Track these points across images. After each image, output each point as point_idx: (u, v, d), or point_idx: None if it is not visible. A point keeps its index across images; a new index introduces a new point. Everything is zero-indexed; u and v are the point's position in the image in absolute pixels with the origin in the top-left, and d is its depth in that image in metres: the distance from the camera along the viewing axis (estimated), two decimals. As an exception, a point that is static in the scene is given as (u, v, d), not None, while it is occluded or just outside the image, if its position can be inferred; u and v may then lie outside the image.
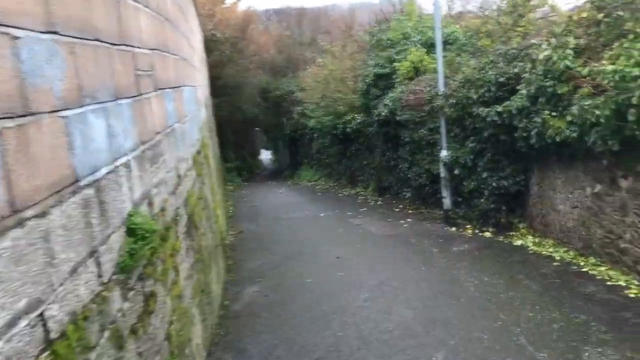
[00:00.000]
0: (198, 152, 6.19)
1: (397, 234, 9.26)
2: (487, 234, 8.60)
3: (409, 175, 11.54)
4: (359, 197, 14.41)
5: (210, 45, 21.60)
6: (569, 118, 6.09)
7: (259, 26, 31.34)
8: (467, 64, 9.42)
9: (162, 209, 3.35)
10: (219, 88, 24.11)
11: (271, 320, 5.63)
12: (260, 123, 32.38)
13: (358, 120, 15.00)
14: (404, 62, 11.97)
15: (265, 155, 48.83)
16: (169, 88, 4.26)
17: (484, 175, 8.54)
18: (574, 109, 5.96)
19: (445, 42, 10.84)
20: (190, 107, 5.86)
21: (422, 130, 10.38)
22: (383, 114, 11.86)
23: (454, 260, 7.29)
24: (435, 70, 11.09)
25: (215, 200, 7.93)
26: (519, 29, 9.41)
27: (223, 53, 23.12)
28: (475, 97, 8.27)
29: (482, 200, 8.68)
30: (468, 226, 9.11)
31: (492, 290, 5.97)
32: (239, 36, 25.09)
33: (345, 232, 9.82)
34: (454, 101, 8.87)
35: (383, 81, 12.76)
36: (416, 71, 11.83)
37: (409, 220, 10.38)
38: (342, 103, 16.68)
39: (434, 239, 8.61)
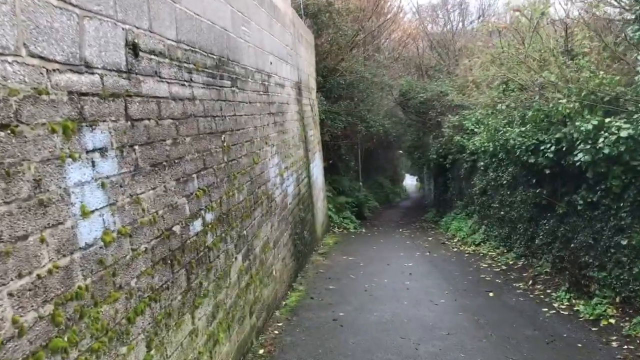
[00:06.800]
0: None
1: None
2: None
3: None
4: (607, 348, 5.20)
5: (316, 16, 13.94)
6: None
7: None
8: None
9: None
10: (332, 87, 16.27)
11: None
12: (395, 141, 24.00)
13: (620, 132, 5.89)
14: None
15: (410, 181, 40.81)
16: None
17: None
18: None
19: None
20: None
21: None
22: None
23: None
24: None
25: None
26: None
27: (340, 32, 15.12)
28: None
29: None
30: None
31: None
32: (368, 9, 16.99)
33: None
34: None
35: None
36: None
37: None
38: (557, 92, 7.65)
39: None
